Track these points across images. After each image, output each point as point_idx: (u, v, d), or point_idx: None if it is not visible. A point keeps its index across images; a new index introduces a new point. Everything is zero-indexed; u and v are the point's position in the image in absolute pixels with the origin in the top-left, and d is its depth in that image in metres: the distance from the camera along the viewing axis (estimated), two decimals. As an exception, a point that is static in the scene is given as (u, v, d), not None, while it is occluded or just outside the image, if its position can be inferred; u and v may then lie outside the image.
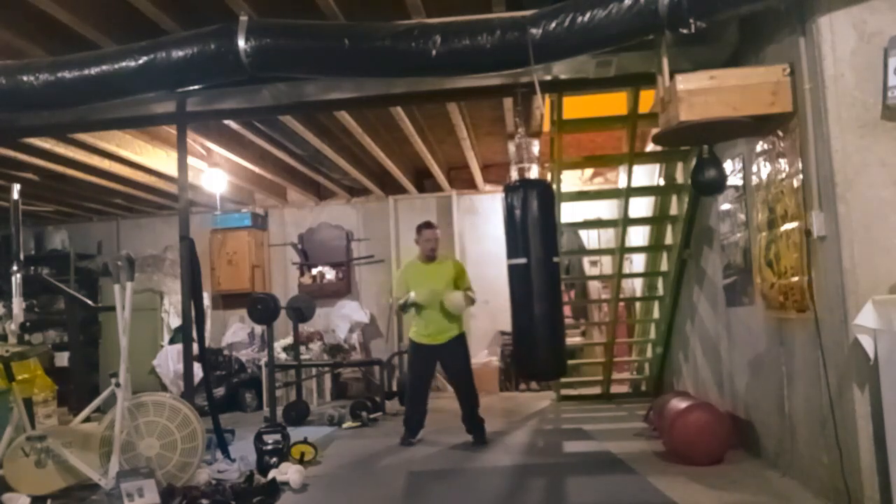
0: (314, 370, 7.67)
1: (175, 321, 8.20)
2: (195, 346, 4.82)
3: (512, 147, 7.20)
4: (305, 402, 6.77)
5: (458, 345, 5.10)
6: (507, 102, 5.54)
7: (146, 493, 3.48)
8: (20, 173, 6.20)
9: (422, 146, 6.42)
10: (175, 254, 7.07)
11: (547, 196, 4.01)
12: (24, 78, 3.62)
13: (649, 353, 6.57)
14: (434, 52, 3.36)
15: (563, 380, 6.94)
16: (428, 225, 5.27)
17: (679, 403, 4.36)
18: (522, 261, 3.87)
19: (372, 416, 6.22)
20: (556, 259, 4.00)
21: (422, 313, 5.03)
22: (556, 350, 4.01)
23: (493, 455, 4.72)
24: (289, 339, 7.44)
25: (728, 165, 4.12)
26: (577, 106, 5.32)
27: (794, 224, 3.32)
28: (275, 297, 6.22)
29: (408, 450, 4.92)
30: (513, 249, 3.94)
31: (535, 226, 3.84)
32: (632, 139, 5.22)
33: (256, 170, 7.06)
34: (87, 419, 4.06)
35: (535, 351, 3.95)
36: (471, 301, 5.13)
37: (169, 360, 7.69)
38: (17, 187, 4.18)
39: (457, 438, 5.08)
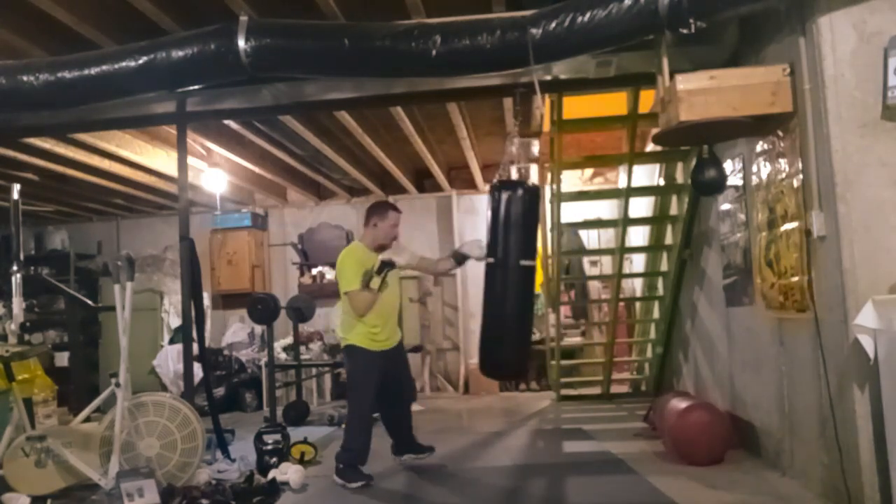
0: (314, 370, 7.67)
1: (175, 321, 8.20)
2: (195, 346, 4.82)
3: (507, 146, 7.22)
4: (305, 402, 6.77)
5: (402, 348, 4.42)
6: (507, 102, 5.54)
7: (146, 493, 3.48)
8: (20, 173, 6.21)
9: (422, 146, 6.43)
10: (175, 254, 7.07)
11: (528, 198, 3.67)
12: (24, 78, 3.62)
13: (649, 353, 6.57)
14: (434, 52, 3.36)
15: (564, 380, 6.97)
16: (395, 207, 4.30)
17: (679, 403, 4.36)
18: (492, 260, 3.63)
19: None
20: (523, 262, 3.63)
21: (381, 311, 4.11)
22: (520, 349, 3.79)
23: (493, 455, 4.72)
24: (289, 339, 7.44)
25: (728, 165, 4.12)
26: (577, 106, 5.32)
27: (794, 224, 3.32)
28: (275, 297, 6.22)
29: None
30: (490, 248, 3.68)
31: (509, 227, 3.59)
32: (632, 139, 5.23)
33: (256, 170, 7.07)
34: (87, 419, 4.07)
35: (500, 347, 3.70)
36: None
37: (169, 360, 7.69)
38: (17, 187, 4.17)
39: (456, 439, 5.07)
